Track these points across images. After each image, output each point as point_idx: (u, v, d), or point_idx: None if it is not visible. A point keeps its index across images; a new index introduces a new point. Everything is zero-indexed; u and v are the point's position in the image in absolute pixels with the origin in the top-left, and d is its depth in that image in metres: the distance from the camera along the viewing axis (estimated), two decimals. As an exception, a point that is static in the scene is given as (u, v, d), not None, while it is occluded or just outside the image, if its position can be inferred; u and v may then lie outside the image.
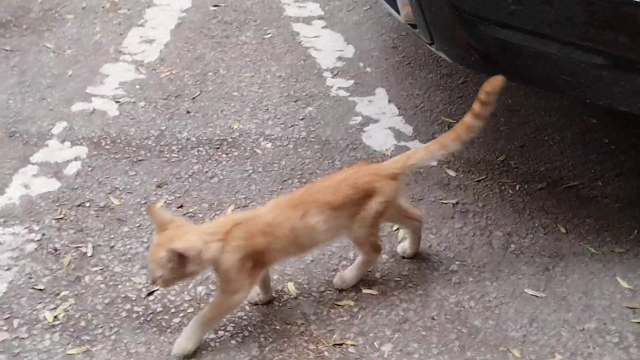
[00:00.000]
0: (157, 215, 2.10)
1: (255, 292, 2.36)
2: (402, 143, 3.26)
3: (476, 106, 2.27)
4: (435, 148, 2.33)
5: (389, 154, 3.15)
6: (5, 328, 2.26)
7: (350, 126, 3.40)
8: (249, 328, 2.28)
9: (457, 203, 2.87)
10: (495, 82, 2.23)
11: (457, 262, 2.57)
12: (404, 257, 2.58)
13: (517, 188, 2.96)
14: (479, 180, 3.00)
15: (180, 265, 1.99)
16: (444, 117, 3.43)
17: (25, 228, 2.70)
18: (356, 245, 2.44)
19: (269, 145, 3.25)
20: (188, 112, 3.49)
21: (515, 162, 3.13)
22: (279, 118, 3.46)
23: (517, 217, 2.80)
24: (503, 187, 2.96)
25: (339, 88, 3.73)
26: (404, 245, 2.59)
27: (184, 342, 2.15)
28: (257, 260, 2.16)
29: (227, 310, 2.22)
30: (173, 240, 2.00)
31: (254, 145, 3.24)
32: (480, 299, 2.41)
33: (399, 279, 2.49)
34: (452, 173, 3.04)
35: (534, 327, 2.30)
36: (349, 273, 2.45)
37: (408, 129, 3.36)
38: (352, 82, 3.78)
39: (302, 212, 2.19)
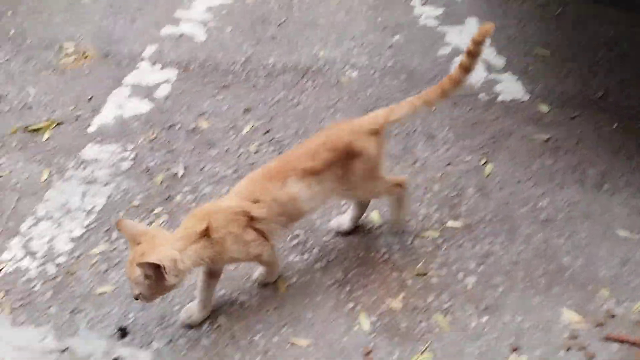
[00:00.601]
0: (128, 229, 1.94)
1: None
2: (493, 76, 3.14)
3: (465, 59, 2.09)
4: (420, 103, 2.17)
5: (479, 86, 3.05)
6: (105, 239, 2.40)
7: (439, 56, 3.30)
8: (334, 253, 2.32)
9: (548, 139, 2.77)
10: (485, 30, 2.05)
11: (547, 199, 2.50)
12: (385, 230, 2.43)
13: (614, 126, 2.82)
14: (573, 117, 2.87)
15: (158, 278, 1.86)
16: (539, 49, 3.27)
17: (120, 147, 2.81)
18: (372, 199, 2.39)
19: (355, 74, 3.21)
20: (274, 38, 3.48)
21: (614, 98, 2.97)
22: (365, 47, 3.40)
23: (612, 156, 2.67)
24: (599, 124, 2.82)
25: (428, 17, 3.60)
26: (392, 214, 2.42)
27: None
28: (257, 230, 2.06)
29: (267, 264, 2.19)
30: (145, 255, 1.86)
31: (340, 73, 3.20)
32: (570, 237, 2.35)
33: (484, 213, 2.46)
34: (544, 108, 2.92)
35: (626, 269, 2.23)
36: (393, 217, 2.40)
37: (500, 61, 3.23)
38: (441, 10, 3.64)
39: (280, 183, 2.05)
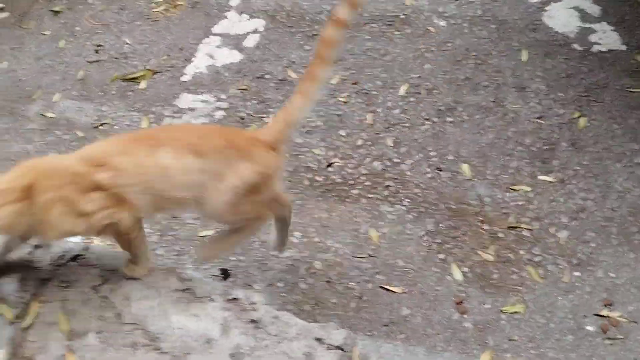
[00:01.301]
0: None
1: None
2: (588, 25, 3.04)
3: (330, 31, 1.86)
4: (309, 91, 1.85)
5: (573, 36, 2.97)
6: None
7: (530, 5, 3.21)
8: (425, 205, 2.37)
9: (646, 92, 2.70)
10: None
11: (644, 155, 2.47)
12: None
13: None
14: (673, 69, 2.78)
15: None
16: (638, -3, 3.14)
17: (214, 96, 2.91)
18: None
19: (443, 23, 3.17)
20: (359, -14, 3.46)
21: None
22: (453, -6, 3.34)
23: None
24: (702, 77, 2.73)
25: (518, -37, 3.50)
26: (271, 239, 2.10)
27: None
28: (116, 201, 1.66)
29: (127, 239, 1.76)
30: None
31: (427, 23, 3.17)
32: (667, 195, 2.32)
33: (578, 167, 2.44)
34: (643, 59, 2.84)
35: None
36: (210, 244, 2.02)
37: (595, 9, 3.12)
38: (532, -45, 3.52)
39: (150, 148, 1.68)
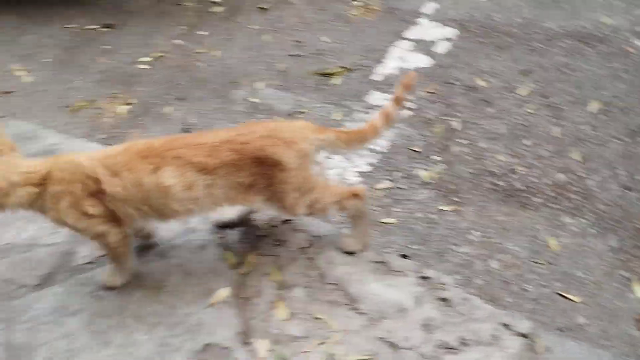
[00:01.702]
0: None
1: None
2: None
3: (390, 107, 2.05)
4: (344, 139, 2.01)
5: None
6: (389, 178, 2.70)
7: None
8: (610, 221, 2.36)
9: None
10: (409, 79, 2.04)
11: None
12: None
13: None
14: None
15: None
16: None
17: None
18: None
19: (641, 43, 3.11)
20: (555, 1, 3.47)
21: None
22: (654, 15, 3.26)
23: None
24: None
25: None
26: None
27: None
28: (100, 205, 1.81)
29: (113, 252, 1.94)
30: None
31: (625, 42, 3.12)
32: None
33: None
34: None
35: None
36: (347, 239, 2.13)
37: None
38: None
39: (153, 167, 1.77)
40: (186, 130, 2.96)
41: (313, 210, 1.94)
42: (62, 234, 2.21)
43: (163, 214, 1.84)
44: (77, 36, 3.77)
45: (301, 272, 1.82)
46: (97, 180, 1.76)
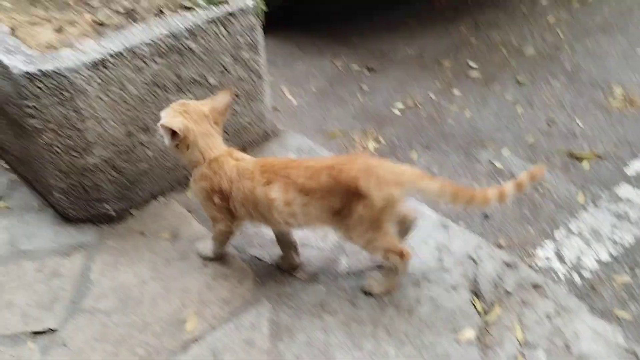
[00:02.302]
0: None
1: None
2: None
3: (510, 188, 2.06)
4: (449, 191, 2.03)
5: None
6: (629, 273, 2.58)
7: None
8: None
9: None
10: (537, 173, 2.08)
11: None
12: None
13: None
14: None
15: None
16: None
17: (657, 196, 2.96)
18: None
19: None
20: None
21: None
22: None
23: None
24: None
25: None
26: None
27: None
28: (224, 201, 2.19)
29: (216, 235, 2.35)
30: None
31: None
32: None
33: None
34: None
35: None
36: (373, 281, 2.29)
37: None
38: None
39: (266, 180, 2.10)
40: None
41: (367, 246, 2.14)
42: (329, 241, 2.48)
43: (267, 220, 2.18)
44: (342, 72, 4.14)
45: (545, 336, 1.82)
46: (230, 179, 2.16)
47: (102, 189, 2.48)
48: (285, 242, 2.36)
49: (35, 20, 2.53)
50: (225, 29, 2.55)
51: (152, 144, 2.55)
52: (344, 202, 2.01)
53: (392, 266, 2.18)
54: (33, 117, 2.25)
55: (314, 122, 3.63)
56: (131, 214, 2.62)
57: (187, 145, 2.15)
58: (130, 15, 2.53)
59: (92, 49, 2.28)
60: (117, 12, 2.57)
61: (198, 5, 2.53)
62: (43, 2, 2.68)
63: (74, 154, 2.37)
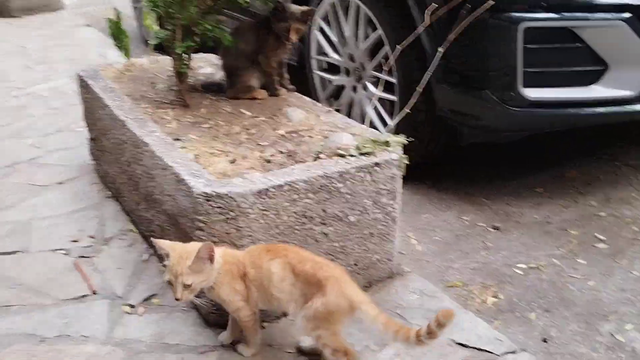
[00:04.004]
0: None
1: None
2: None
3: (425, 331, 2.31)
4: (382, 321, 2.38)
5: None
6: None
7: None
8: None
9: None
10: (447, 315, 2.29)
11: None
12: None
13: None
14: None
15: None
16: None
17: None
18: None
19: None
20: None
21: None
22: None
23: None
24: None
25: None
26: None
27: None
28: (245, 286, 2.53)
29: (245, 325, 2.64)
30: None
31: None
32: None
33: None
34: None
35: None
36: None
37: None
38: None
39: (270, 257, 2.49)
40: (545, 340, 3.16)
41: (315, 341, 2.49)
42: None
43: (268, 297, 2.53)
44: (467, 227, 4.36)
45: None
46: (244, 264, 2.52)
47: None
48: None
49: (215, 152, 3.04)
50: (370, 176, 2.93)
51: (291, 266, 2.87)
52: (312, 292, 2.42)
53: None
54: (201, 230, 2.68)
55: (435, 269, 3.83)
56: (262, 326, 2.91)
57: None
58: (292, 156, 2.99)
59: (258, 179, 2.72)
60: (281, 152, 3.04)
61: (350, 154, 2.94)
62: (222, 138, 3.22)
63: (227, 266, 2.74)
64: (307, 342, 2.71)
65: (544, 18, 3.84)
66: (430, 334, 2.29)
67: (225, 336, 2.78)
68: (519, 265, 3.92)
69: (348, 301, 2.37)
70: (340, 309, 2.36)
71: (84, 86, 4.23)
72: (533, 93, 4.04)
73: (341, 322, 2.42)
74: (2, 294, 3.21)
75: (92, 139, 4.39)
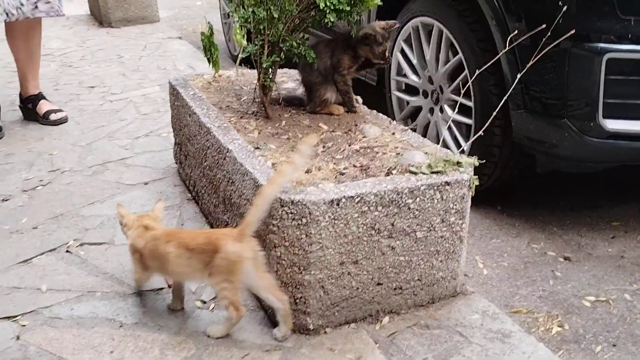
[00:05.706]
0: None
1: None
2: None
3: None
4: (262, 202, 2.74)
5: None
6: None
7: None
8: None
9: None
10: None
11: None
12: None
13: None
14: None
15: None
16: None
17: None
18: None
19: None
20: None
21: None
22: None
23: None
24: None
25: None
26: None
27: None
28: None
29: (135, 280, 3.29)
30: None
31: None
32: None
33: None
34: None
35: None
36: (215, 327, 3.00)
37: None
38: None
39: (167, 240, 2.89)
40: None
41: (218, 292, 2.85)
42: None
43: (166, 270, 2.99)
44: (536, 255, 4.32)
45: None
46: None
47: (308, 303, 2.93)
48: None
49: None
50: (440, 194, 2.99)
51: (357, 276, 2.98)
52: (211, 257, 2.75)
53: (229, 316, 2.89)
54: (274, 233, 2.83)
55: (500, 294, 3.82)
56: (325, 331, 3.01)
57: None
58: (365, 170, 3.10)
59: (331, 190, 2.85)
60: (355, 166, 3.16)
61: (422, 172, 3.02)
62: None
63: (295, 269, 2.87)
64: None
65: (628, 50, 3.80)
66: None
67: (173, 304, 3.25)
68: (588, 297, 3.85)
69: (239, 244, 2.74)
70: (237, 255, 2.73)
71: (174, 94, 4.51)
72: (613, 124, 3.98)
73: (241, 272, 2.75)
74: (89, 280, 3.48)
75: (177, 144, 4.66)
